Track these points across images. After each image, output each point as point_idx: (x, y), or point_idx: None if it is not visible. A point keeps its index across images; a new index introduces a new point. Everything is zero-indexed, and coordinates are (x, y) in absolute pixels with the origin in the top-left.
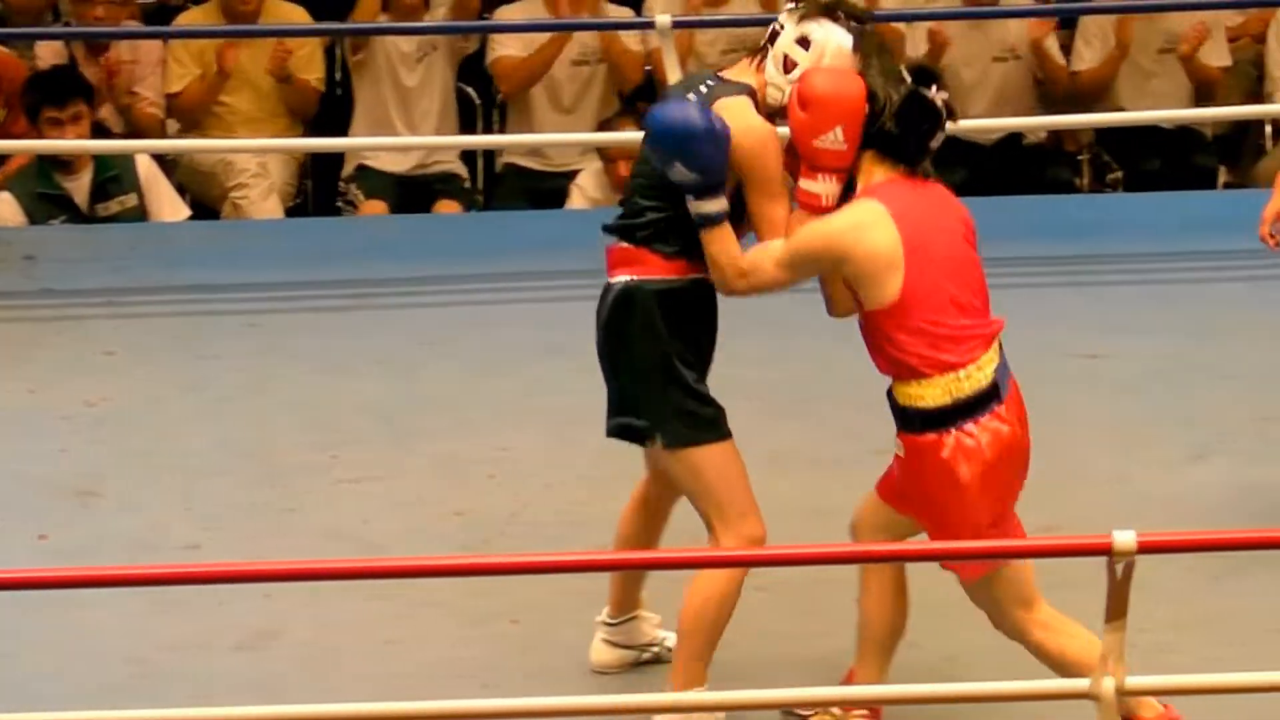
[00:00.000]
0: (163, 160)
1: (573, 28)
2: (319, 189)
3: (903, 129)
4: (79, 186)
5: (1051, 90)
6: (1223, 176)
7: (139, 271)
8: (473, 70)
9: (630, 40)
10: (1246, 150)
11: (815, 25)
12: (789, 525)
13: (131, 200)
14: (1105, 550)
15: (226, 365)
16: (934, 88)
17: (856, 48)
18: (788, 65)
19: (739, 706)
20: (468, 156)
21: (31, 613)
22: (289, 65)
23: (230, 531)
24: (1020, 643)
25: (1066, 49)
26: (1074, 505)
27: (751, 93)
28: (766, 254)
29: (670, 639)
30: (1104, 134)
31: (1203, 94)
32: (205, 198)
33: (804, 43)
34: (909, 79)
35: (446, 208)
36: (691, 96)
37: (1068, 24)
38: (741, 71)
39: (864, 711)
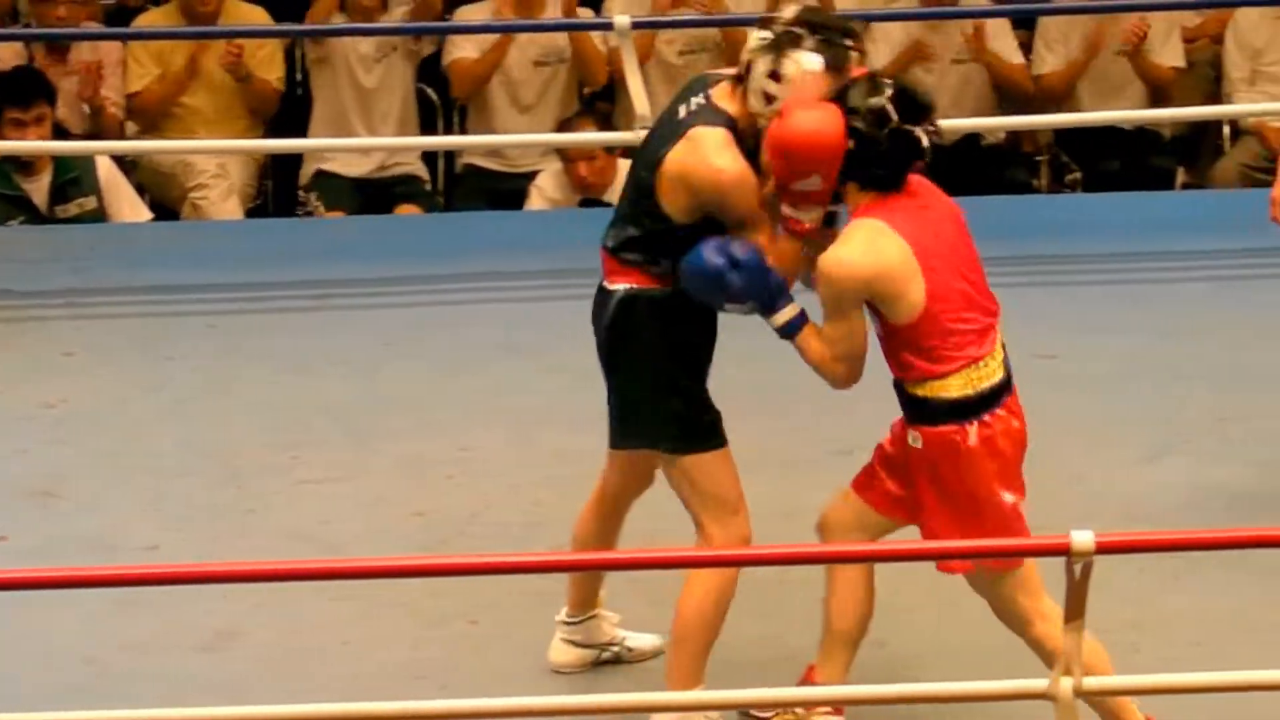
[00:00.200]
0: (122, 161)
1: (531, 29)
2: (279, 190)
3: (888, 168)
4: (38, 188)
5: (1012, 94)
6: (1181, 177)
7: (99, 272)
8: (433, 71)
9: (596, 40)
10: (1204, 151)
11: (784, 60)
12: (756, 526)
13: (91, 203)
14: (1064, 550)
15: (187, 366)
16: (923, 121)
17: (829, 66)
18: (767, 99)
19: (698, 707)
20: (428, 157)
21: None
22: (245, 65)
23: (191, 532)
24: (1020, 632)
25: (1026, 49)
26: (1033, 505)
27: (733, 123)
28: (823, 327)
29: (630, 638)
30: (1062, 135)
31: (1157, 95)
32: (165, 199)
33: (775, 76)
34: (893, 107)
35: (407, 211)
36: (682, 110)
37: (1026, 24)
38: (725, 96)
39: (827, 710)
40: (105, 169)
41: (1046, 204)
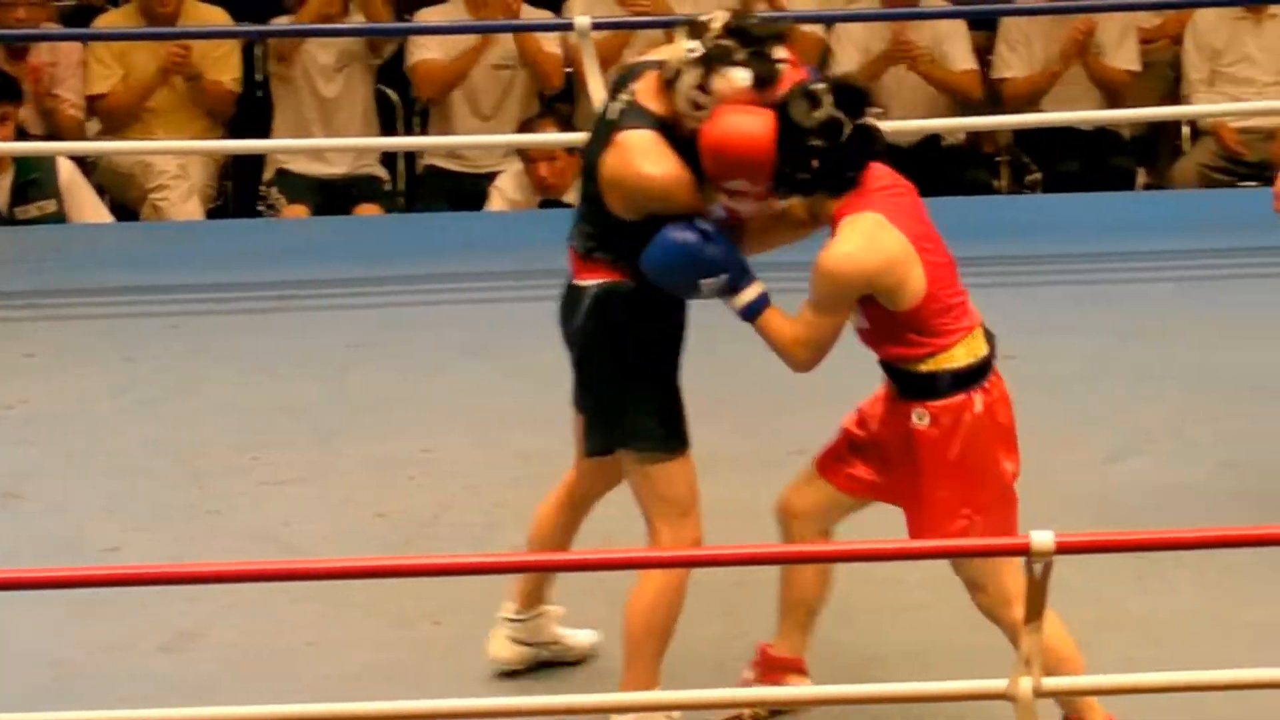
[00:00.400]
0: (82, 162)
1: (491, 29)
2: (239, 191)
3: (856, 168)
4: None
5: (965, 100)
6: (1141, 178)
7: (60, 273)
8: (393, 73)
9: (549, 42)
10: (1164, 152)
11: (713, 76)
12: (714, 526)
13: (51, 205)
14: (1024, 550)
15: (149, 367)
16: (868, 108)
17: (759, 81)
18: (696, 106)
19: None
20: (388, 159)
21: None
22: (192, 65)
23: (154, 533)
24: (998, 619)
25: (987, 52)
26: None
27: (661, 121)
28: (801, 311)
29: (571, 636)
30: (1022, 136)
31: (1111, 97)
32: (124, 200)
33: (703, 89)
34: (831, 105)
35: (368, 211)
36: (611, 109)
37: (987, 25)
38: (651, 94)
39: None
40: (66, 172)
41: (1007, 205)
